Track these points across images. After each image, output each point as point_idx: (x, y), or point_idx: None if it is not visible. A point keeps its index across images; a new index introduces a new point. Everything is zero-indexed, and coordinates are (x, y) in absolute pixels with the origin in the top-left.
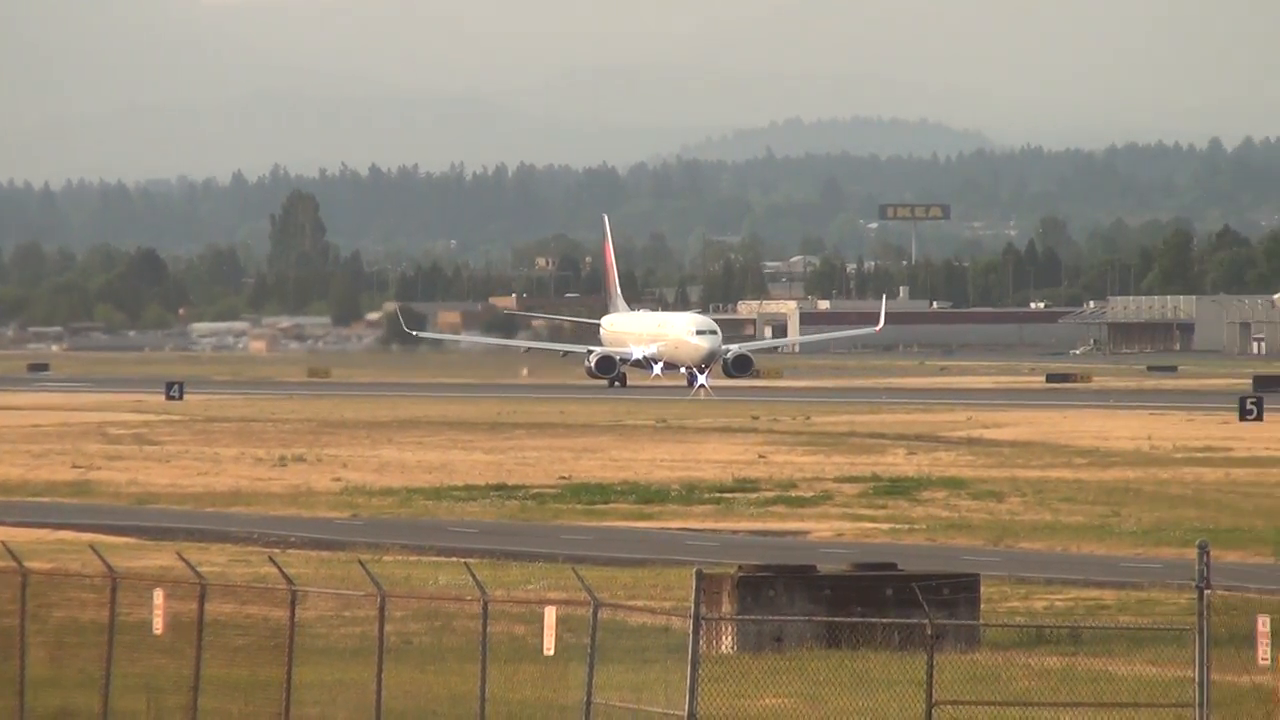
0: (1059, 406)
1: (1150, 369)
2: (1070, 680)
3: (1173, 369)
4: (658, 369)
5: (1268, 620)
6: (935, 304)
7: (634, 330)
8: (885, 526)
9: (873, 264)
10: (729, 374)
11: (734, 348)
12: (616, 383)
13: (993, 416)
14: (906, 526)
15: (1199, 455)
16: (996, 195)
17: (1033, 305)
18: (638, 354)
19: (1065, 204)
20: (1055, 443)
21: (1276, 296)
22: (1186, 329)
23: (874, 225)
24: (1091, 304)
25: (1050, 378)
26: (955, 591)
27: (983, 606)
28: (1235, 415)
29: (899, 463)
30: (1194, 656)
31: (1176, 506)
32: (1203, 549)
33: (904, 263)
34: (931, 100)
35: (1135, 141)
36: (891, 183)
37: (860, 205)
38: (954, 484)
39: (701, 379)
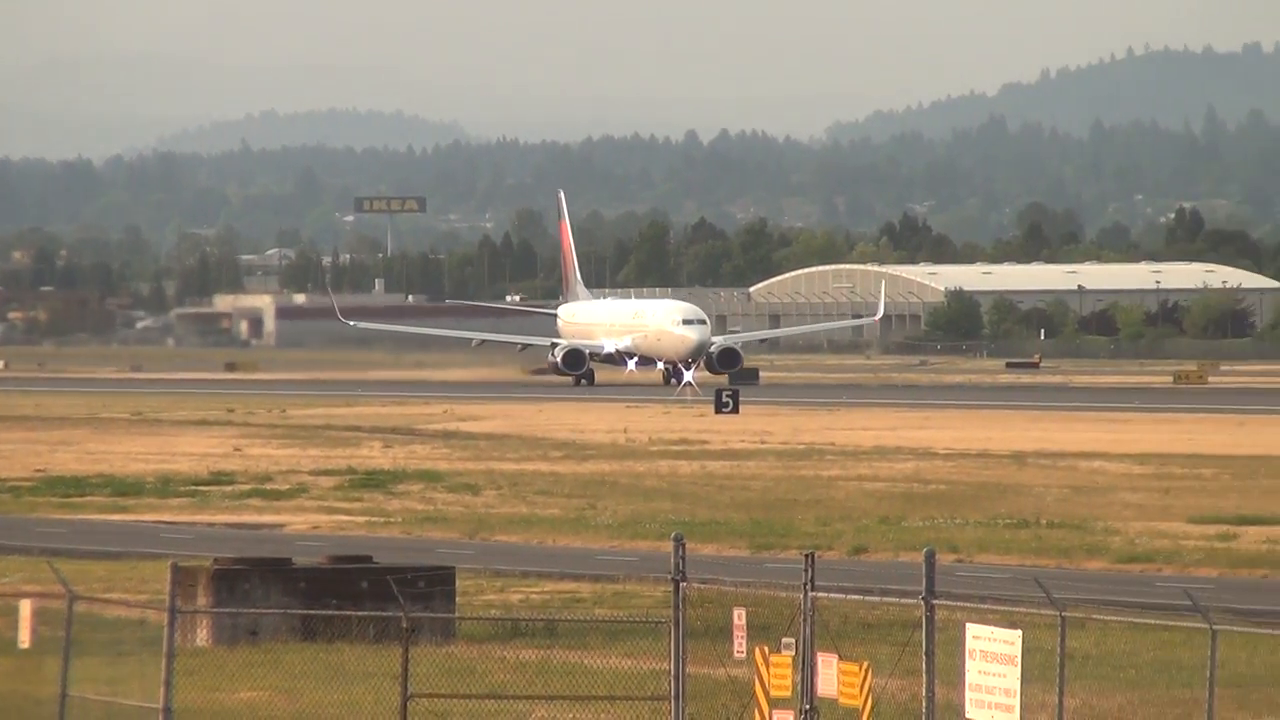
0: (536, 400)
1: None
2: (546, 673)
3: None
4: (632, 364)
5: (744, 613)
6: (411, 297)
7: (603, 320)
8: (361, 519)
9: (349, 257)
10: (713, 370)
11: (719, 340)
12: (584, 380)
13: (470, 409)
14: (382, 519)
15: (675, 448)
16: (473, 188)
17: (508, 299)
18: (610, 347)
19: (541, 196)
20: (532, 435)
21: (752, 289)
22: None
23: (350, 218)
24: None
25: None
26: (431, 584)
27: (459, 599)
28: (711, 408)
29: (375, 455)
30: (670, 649)
31: (652, 499)
32: (678, 541)
33: (380, 255)
34: (407, 92)
35: (611, 134)
36: (367, 175)
37: (336, 198)
38: (430, 477)
39: (687, 375)
